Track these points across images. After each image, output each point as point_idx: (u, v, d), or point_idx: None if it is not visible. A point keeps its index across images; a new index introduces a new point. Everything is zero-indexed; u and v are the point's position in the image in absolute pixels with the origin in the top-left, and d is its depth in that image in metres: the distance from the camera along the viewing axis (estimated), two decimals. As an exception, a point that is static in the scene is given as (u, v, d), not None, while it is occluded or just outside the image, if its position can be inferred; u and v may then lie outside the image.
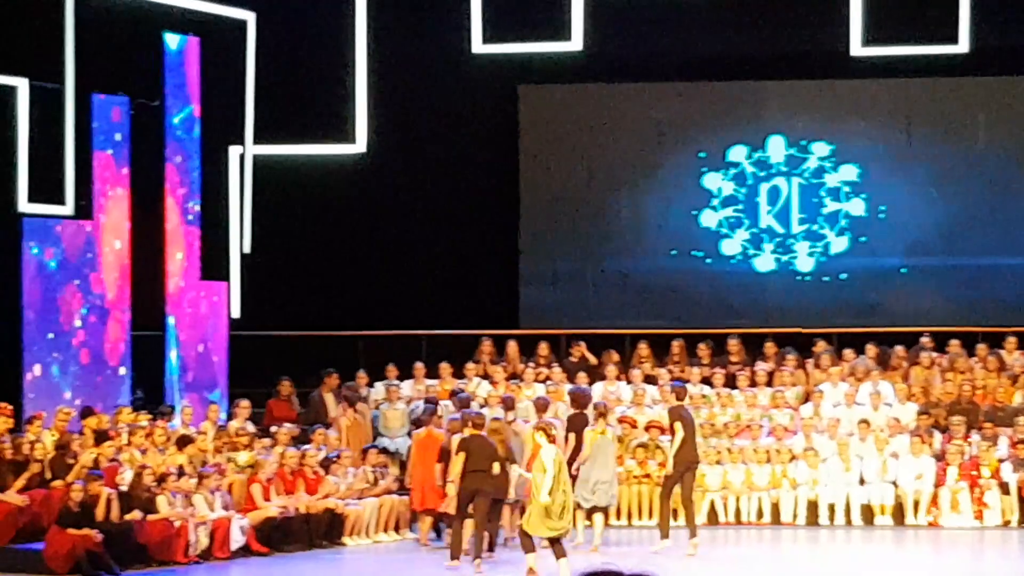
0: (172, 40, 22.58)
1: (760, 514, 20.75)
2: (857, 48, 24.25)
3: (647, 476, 20.71)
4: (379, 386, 22.49)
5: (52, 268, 20.81)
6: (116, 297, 21.64)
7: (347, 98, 24.76)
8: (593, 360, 22.75)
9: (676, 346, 23.07)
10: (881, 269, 24.80)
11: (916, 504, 20.57)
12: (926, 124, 24.95)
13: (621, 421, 21.34)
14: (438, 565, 17.88)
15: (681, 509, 19.02)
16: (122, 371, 21.68)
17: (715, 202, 24.95)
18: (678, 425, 18.79)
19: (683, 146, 25.13)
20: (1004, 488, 20.46)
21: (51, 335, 20.75)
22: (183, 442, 19.32)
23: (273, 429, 20.55)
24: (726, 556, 19.21)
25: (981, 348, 22.70)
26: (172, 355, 22.37)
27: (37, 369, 20.47)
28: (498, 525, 18.53)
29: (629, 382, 22.38)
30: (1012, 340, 22.81)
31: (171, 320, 22.38)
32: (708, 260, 25.04)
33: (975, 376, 22.15)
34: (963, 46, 23.63)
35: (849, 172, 24.79)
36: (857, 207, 24.72)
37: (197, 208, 22.95)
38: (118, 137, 21.73)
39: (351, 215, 25.01)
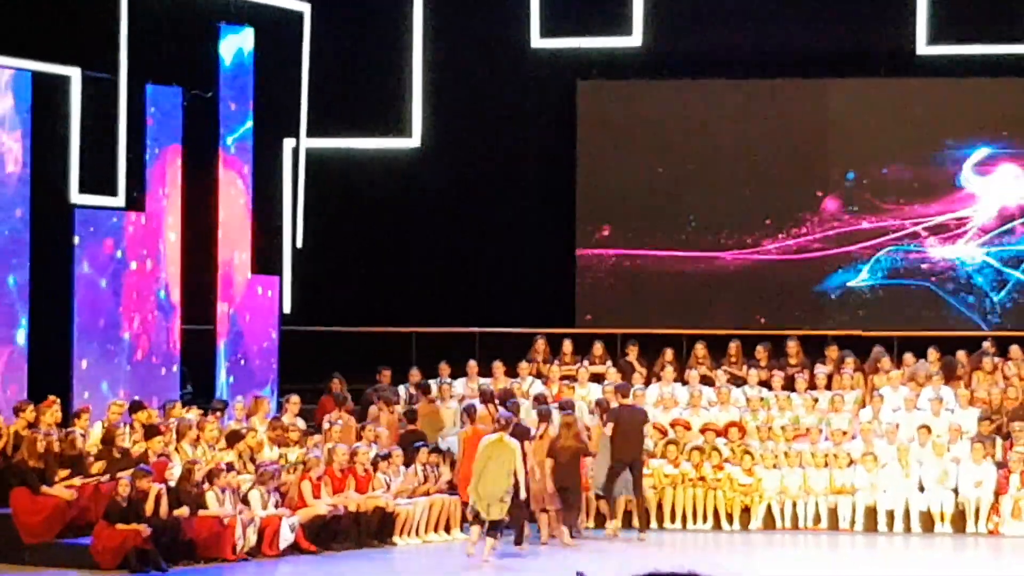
0: (228, 31, 22.64)
1: (818, 519, 20.68)
2: (923, 47, 24.35)
3: (702, 479, 20.69)
4: (432, 382, 22.37)
5: (103, 260, 20.85)
6: (168, 291, 21.71)
7: (403, 92, 25.03)
8: (641, 370, 22.70)
9: (734, 347, 23.06)
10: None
11: (977, 511, 20.46)
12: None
13: (674, 424, 21.37)
14: (489, 566, 17.96)
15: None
16: (174, 367, 21.76)
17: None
18: (610, 426, 19.77)
19: (744, 144, 25.08)
20: (1071, 498, 20.36)
21: (101, 328, 20.81)
22: (233, 438, 19.36)
23: (325, 426, 20.56)
24: (783, 560, 19.27)
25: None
26: (223, 349, 22.44)
27: (85, 363, 20.52)
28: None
29: (685, 383, 22.29)
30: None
31: (223, 312, 22.43)
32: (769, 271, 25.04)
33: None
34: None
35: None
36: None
37: (250, 202, 23.00)
38: (171, 129, 21.78)
39: (405, 210, 25.06)
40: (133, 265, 21.19)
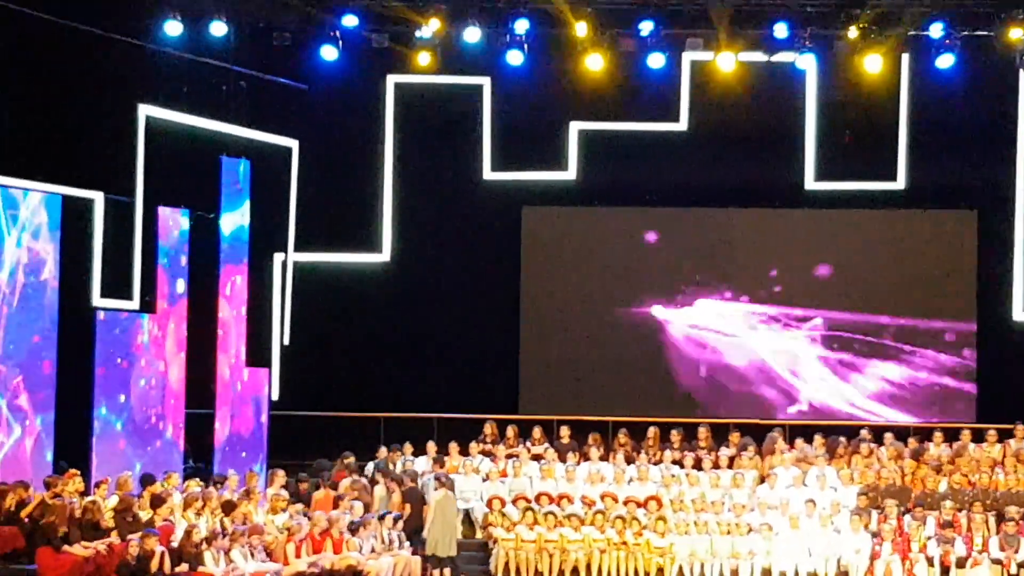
0: (228, 162, 22.76)
1: (722, 579, 20.64)
2: (810, 183, 24.61)
3: (624, 543, 20.54)
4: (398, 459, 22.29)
5: (120, 354, 20.85)
6: (174, 379, 21.71)
7: (375, 215, 25.15)
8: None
9: (652, 432, 22.99)
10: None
11: (853, 572, 20.37)
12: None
13: (603, 496, 21.29)
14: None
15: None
16: (179, 443, 21.73)
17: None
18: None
19: (661, 260, 25.23)
20: (930, 561, 20.34)
21: (118, 411, 20.78)
22: (228, 507, 19.26)
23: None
24: None
25: (912, 441, 22.69)
26: (220, 430, 22.38)
27: (104, 441, 20.50)
28: None
29: (612, 462, 22.28)
30: (938, 435, 22.82)
31: (220, 398, 22.43)
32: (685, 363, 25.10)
33: (906, 465, 22.05)
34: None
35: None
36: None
37: (245, 305, 23.02)
38: (179, 244, 21.82)
39: (376, 314, 25.09)
40: (144, 360, 21.17)
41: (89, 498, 18.52)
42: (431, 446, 22.41)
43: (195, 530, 18.05)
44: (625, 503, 21.20)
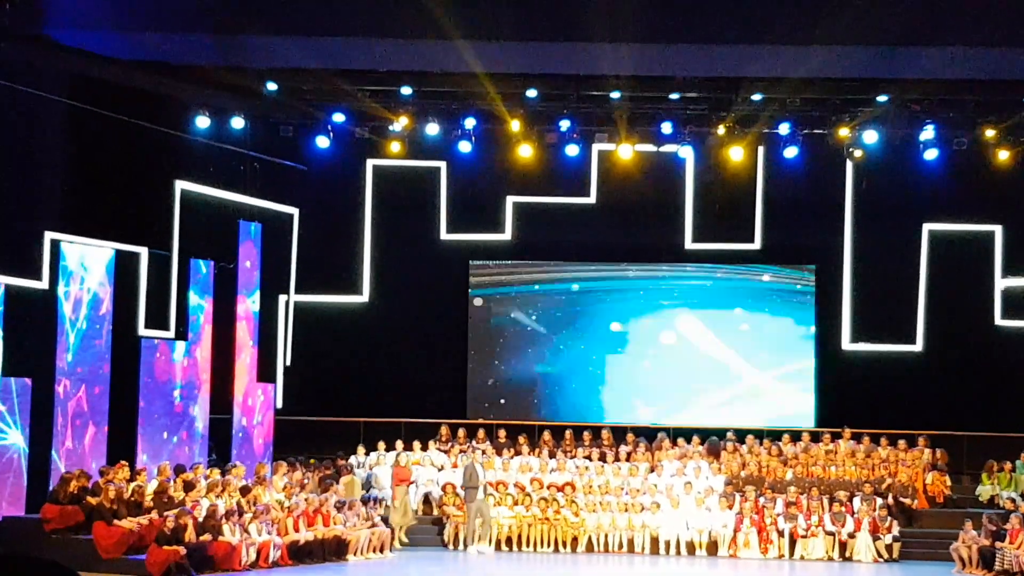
0: (244, 224, 22.83)
1: (621, 546, 20.70)
2: (689, 243, 24.67)
3: (547, 519, 20.65)
4: (373, 455, 22.36)
5: (159, 372, 20.89)
6: (202, 391, 21.70)
7: (357, 265, 25.02)
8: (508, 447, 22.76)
9: (568, 434, 23.11)
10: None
11: (721, 542, 20.60)
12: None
13: (531, 482, 21.37)
14: (413, 572, 17.89)
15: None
16: (204, 440, 21.74)
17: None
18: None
19: (578, 305, 25.21)
20: (780, 533, 20.51)
21: (157, 416, 20.79)
22: (244, 491, 19.33)
23: (307, 483, 20.52)
24: (600, 571, 18.99)
25: (767, 442, 22.96)
26: (237, 431, 22.37)
27: (146, 439, 20.51)
28: None
29: (537, 455, 22.40)
30: (787, 437, 23.10)
31: (236, 406, 22.41)
32: (596, 381, 25.05)
33: (762, 459, 22.29)
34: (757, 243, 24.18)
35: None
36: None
37: (256, 334, 23.04)
38: (205, 287, 21.90)
39: (357, 342, 25.03)
40: (177, 377, 21.19)
41: (134, 483, 18.56)
42: (399, 444, 22.37)
43: (217, 508, 18.12)
44: (548, 487, 21.36)
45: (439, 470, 21.80)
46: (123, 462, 19.00)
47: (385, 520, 20.23)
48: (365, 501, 20.28)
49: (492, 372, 25.20)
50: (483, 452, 22.27)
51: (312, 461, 21.78)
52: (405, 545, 20.48)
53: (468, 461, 20.91)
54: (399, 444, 22.38)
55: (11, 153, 18.86)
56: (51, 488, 18.23)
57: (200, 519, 17.81)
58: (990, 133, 22.21)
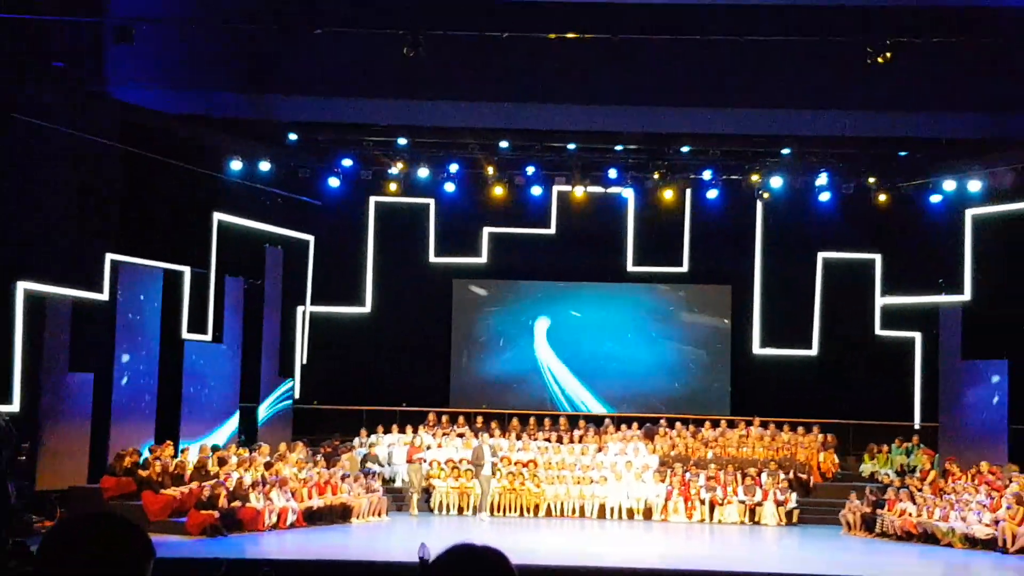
0: (270, 249, 22.72)
1: (574, 512, 20.68)
2: (631, 266, 24.70)
3: (513, 490, 20.61)
4: (374, 436, 22.26)
5: (199, 370, 20.72)
6: (233, 384, 21.55)
7: (362, 282, 24.96)
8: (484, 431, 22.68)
9: (532, 421, 23.11)
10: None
11: (654, 508, 20.60)
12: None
13: (501, 459, 21.25)
14: (405, 533, 17.78)
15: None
16: (235, 424, 21.55)
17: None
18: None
19: (534, 316, 25.22)
20: (702, 502, 20.56)
21: (198, 408, 20.63)
22: (268, 466, 19.25)
23: (318, 458, 20.42)
24: (559, 532, 18.92)
25: (691, 427, 22.99)
26: (262, 415, 22.21)
27: (188, 422, 20.35)
28: None
29: (506, 438, 22.34)
30: (708, 423, 23.12)
31: (262, 396, 22.27)
32: (552, 373, 24.97)
33: (687, 441, 22.33)
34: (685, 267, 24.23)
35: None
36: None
37: (278, 337, 22.90)
38: (237, 299, 21.75)
39: (361, 346, 24.83)
40: (213, 375, 21.04)
41: (177, 459, 18.51)
42: (394, 427, 22.31)
43: (244, 480, 18.07)
44: (515, 464, 21.27)
45: (427, 448, 21.73)
46: (168, 442, 19.00)
47: (390, 488, 20.10)
48: (365, 474, 20.16)
49: (471, 369, 25.02)
50: (462, 435, 22.15)
51: (336, 442, 21.66)
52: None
53: (477, 443, 20.75)
54: (394, 427, 22.30)
55: (77, 189, 18.83)
56: (108, 463, 18.12)
57: (231, 489, 17.81)
58: (871, 180, 22.44)
